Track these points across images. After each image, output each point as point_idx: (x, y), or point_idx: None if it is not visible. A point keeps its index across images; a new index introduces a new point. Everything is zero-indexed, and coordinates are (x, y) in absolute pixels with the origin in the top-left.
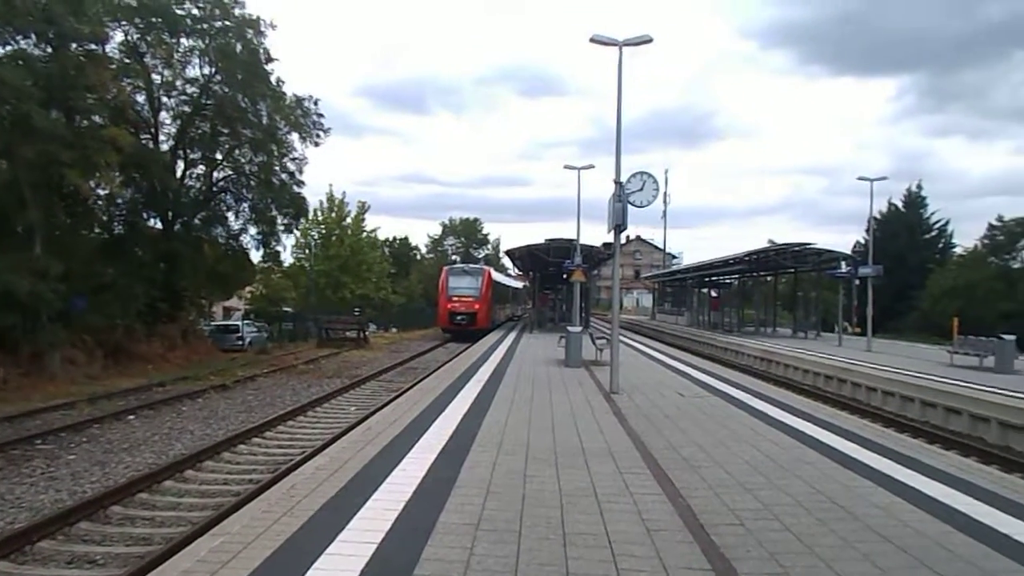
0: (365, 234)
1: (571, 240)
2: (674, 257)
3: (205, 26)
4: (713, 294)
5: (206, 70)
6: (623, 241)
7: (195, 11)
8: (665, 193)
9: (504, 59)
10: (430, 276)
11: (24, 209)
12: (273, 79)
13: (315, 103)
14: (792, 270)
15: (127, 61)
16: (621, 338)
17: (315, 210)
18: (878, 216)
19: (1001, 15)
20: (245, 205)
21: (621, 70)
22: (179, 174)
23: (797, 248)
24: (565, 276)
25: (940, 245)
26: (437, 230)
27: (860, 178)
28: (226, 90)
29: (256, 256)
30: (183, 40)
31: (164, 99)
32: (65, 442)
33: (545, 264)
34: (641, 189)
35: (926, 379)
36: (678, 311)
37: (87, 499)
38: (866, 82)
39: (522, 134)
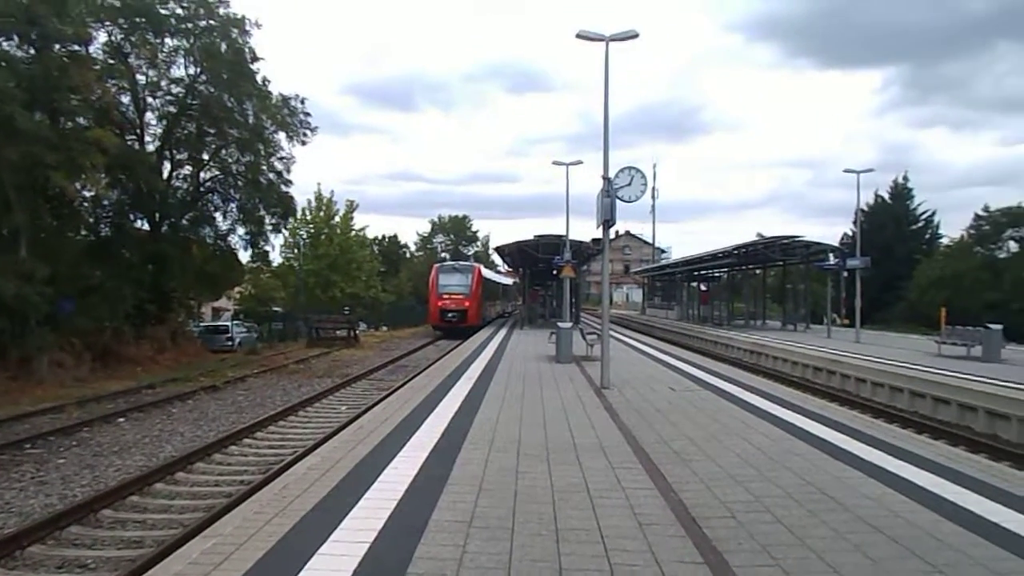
0: (354, 233)
1: (560, 236)
2: (663, 252)
3: (190, 25)
4: (702, 288)
5: (191, 70)
6: (612, 236)
7: (179, 11)
8: (653, 188)
9: (492, 55)
10: (420, 274)
11: (9, 212)
12: (259, 78)
13: (302, 102)
14: (781, 263)
15: (111, 62)
16: (611, 333)
17: (303, 209)
18: (865, 208)
19: (985, 7)
20: (233, 205)
21: (608, 66)
22: (166, 175)
23: (785, 241)
24: (555, 272)
25: (927, 236)
26: (426, 228)
27: (847, 170)
28: (212, 90)
29: (245, 256)
30: (167, 40)
31: (149, 100)
32: (54, 446)
33: (535, 260)
34: (629, 184)
35: (914, 369)
36: (668, 305)
37: (77, 503)
38: (852, 74)
39: (510, 130)
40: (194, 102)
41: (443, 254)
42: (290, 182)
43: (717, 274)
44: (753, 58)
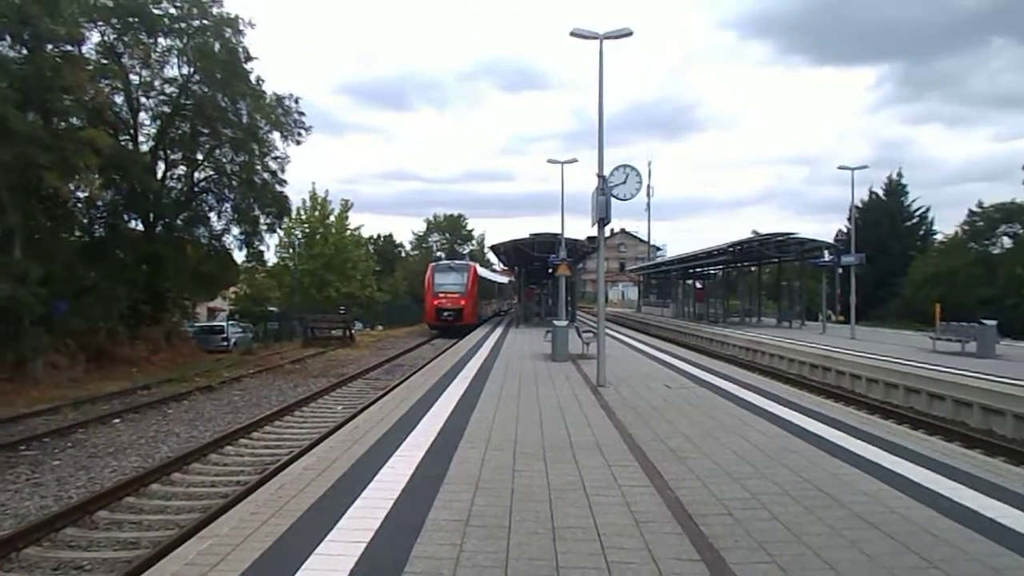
0: (349, 232)
1: (556, 234)
2: (658, 249)
3: (183, 25)
4: (698, 285)
5: (185, 70)
6: (607, 234)
7: (172, 10)
8: (648, 185)
9: (486, 54)
10: (415, 273)
11: (2, 213)
12: (253, 78)
13: (296, 101)
14: (776, 260)
15: (104, 62)
16: (607, 331)
17: (298, 209)
18: (860, 205)
19: (979, 3)
20: (227, 205)
21: (602, 64)
22: (160, 175)
23: (780, 238)
24: (550, 270)
25: (921, 232)
26: (421, 227)
27: (841, 167)
28: (205, 90)
29: (239, 256)
30: (161, 40)
31: (143, 100)
32: (50, 448)
33: (530, 259)
34: (624, 182)
35: (909, 366)
36: (663, 303)
37: (73, 504)
38: (847, 71)
39: (505, 128)
40: (188, 102)
41: (438, 253)
42: (284, 182)
43: (712, 271)
44: (747, 55)
